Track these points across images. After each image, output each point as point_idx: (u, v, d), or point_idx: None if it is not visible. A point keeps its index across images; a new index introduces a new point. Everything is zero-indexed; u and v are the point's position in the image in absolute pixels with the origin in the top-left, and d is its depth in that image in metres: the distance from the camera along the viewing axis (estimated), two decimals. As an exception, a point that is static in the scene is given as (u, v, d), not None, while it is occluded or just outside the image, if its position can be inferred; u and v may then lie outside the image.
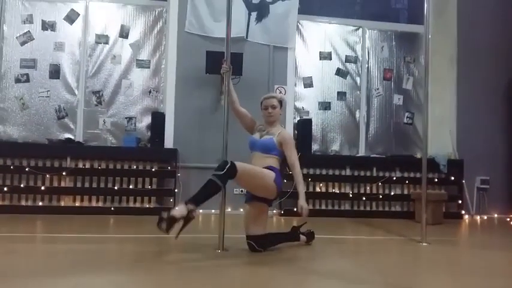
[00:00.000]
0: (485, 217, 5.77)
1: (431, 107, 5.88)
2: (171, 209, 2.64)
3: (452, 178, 5.61)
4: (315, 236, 3.45)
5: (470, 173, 5.72)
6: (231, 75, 3.28)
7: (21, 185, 4.81)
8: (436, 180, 5.57)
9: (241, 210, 5.32)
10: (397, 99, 6.20)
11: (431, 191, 5.19)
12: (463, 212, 5.63)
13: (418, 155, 5.80)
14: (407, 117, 6.22)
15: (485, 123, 5.92)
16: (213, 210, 4.97)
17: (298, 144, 5.51)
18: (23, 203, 4.83)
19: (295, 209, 3.09)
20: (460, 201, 5.63)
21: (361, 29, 6.19)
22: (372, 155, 5.87)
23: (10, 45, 5.28)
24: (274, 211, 5.37)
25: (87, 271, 2.40)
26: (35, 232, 3.77)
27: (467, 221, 5.49)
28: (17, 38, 5.30)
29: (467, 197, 5.77)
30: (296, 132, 5.67)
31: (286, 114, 5.61)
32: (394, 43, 6.28)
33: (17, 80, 5.28)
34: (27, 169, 4.81)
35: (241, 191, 5.32)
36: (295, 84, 5.88)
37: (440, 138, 5.91)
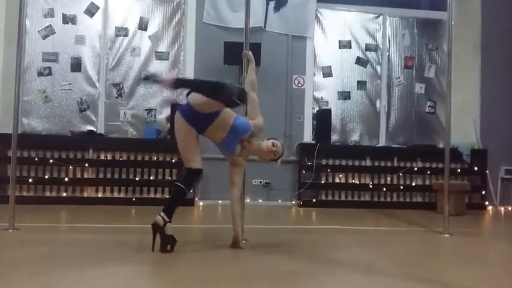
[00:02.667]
0: (510, 208, 5.64)
1: (454, 95, 5.66)
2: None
3: (476, 168, 5.49)
4: (176, 244, 2.73)
5: (494, 163, 5.58)
6: (251, 60, 3.25)
7: (46, 177, 4.92)
8: (459, 170, 5.45)
9: (260, 201, 5.38)
10: (419, 87, 6.06)
11: (454, 181, 5.09)
12: (487, 203, 5.51)
13: (441, 145, 5.70)
14: (429, 106, 6.08)
15: (510, 112, 5.75)
16: (232, 201, 4.99)
17: (317, 134, 5.50)
18: (47, 193, 4.96)
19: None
20: (483, 192, 5.50)
21: (381, 17, 6.06)
22: (392, 145, 5.79)
23: (32, 39, 5.36)
24: (293, 202, 5.37)
25: (112, 260, 2.45)
26: (59, 222, 3.87)
27: (490, 212, 5.38)
28: (38, 31, 5.38)
29: (491, 188, 5.63)
30: (315, 122, 5.63)
31: (305, 104, 5.59)
32: (415, 30, 6.12)
33: (40, 74, 5.37)
34: (51, 161, 4.92)
35: (260, 181, 5.35)
36: (314, 74, 5.82)
37: (463, 128, 5.77)
